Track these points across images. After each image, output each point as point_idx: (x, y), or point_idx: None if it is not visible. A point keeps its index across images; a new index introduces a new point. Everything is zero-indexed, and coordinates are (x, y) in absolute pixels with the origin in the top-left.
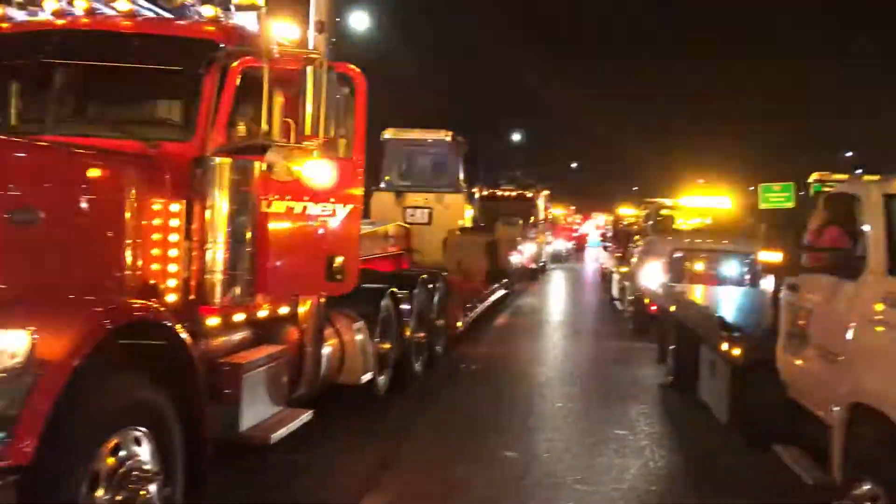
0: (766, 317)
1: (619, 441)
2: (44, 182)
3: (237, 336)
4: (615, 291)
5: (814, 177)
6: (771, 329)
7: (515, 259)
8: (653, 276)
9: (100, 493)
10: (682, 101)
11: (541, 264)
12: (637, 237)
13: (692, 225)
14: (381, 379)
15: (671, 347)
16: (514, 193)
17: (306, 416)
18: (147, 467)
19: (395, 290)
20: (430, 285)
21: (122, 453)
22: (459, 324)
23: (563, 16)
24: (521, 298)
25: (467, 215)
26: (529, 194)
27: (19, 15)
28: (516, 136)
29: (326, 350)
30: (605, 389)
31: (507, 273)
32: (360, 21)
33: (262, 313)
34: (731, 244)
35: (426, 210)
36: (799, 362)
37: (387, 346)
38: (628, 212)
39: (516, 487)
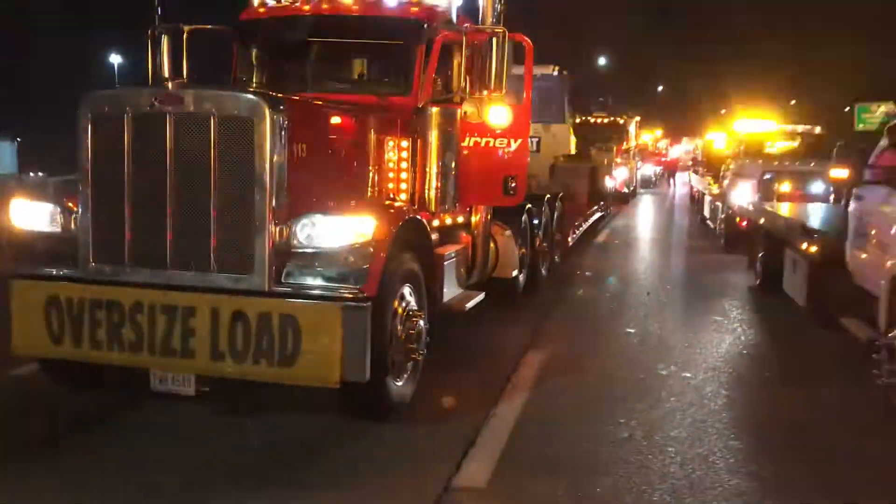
0: (839, 223)
1: (716, 324)
2: (326, 129)
3: (435, 236)
4: (707, 212)
5: (882, 109)
6: (842, 232)
7: (609, 183)
8: (744, 195)
9: (398, 321)
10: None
11: (632, 188)
12: (729, 161)
13: (781, 148)
14: (521, 277)
15: (760, 255)
16: (606, 120)
17: (482, 295)
18: (414, 308)
19: (530, 206)
20: (552, 205)
21: (404, 301)
22: (570, 239)
23: None
24: (616, 220)
25: (571, 143)
26: (621, 121)
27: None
28: (602, 61)
29: (490, 249)
30: (702, 289)
31: (603, 196)
32: None
33: (448, 221)
34: (816, 166)
35: (535, 139)
36: (861, 255)
37: (524, 251)
38: (719, 135)
39: (637, 351)
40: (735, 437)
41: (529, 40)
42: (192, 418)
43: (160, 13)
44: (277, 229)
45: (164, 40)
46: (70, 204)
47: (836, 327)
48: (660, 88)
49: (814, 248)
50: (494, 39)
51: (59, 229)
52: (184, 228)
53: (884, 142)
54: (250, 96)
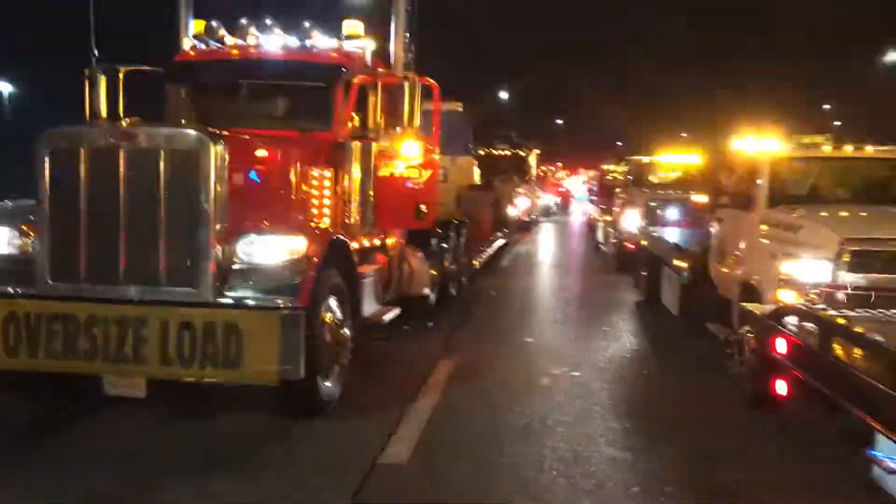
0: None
1: (603, 333)
2: (259, 160)
3: (356, 256)
4: (600, 237)
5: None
6: (707, 250)
7: (512, 212)
8: (632, 221)
9: (326, 329)
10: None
11: (533, 217)
12: (619, 190)
13: (666, 178)
14: (432, 296)
15: (643, 274)
16: (508, 153)
17: (397, 310)
18: (340, 317)
19: (439, 230)
20: (459, 230)
21: (331, 311)
22: (476, 263)
23: None
24: (519, 247)
25: (475, 174)
26: (523, 153)
27: (201, 45)
28: (503, 95)
29: (404, 269)
30: (593, 305)
31: (506, 224)
32: None
33: (366, 242)
34: (696, 195)
35: (442, 170)
36: (721, 269)
37: (434, 271)
38: (612, 167)
39: (535, 356)
40: (614, 421)
41: (436, 83)
42: (144, 419)
43: (96, 55)
44: (220, 248)
45: (101, 81)
46: (25, 227)
47: (704, 332)
48: (559, 122)
49: (684, 265)
50: (406, 83)
51: (16, 251)
52: (135, 249)
53: (734, 169)
54: (196, 133)
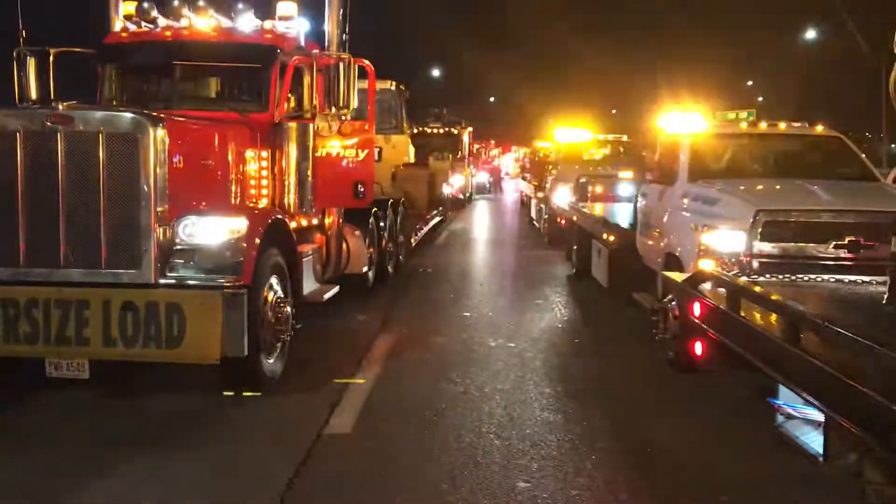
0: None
1: (537, 306)
2: (198, 142)
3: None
4: (534, 213)
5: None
6: (634, 224)
7: (447, 190)
8: (563, 197)
9: (268, 307)
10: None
11: (467, 195)
12: (550, 167)
13: (595, 155)
14: (371, 274)
15: (574, 248)
16: (441, 131)
17: (336, 289)
18: (281, 296)
19: (376, 209)
20: (395, 209)
21: (272, 290)
22: (412, 240)
23: None
24: (454, 224)
25: (410, 153)
26: (455, 131)
27: (132, 28)
28: (435, 72)
29: (342, 248)
30: (527, 279)
31: (441, 202)
32: None
33: (304, 222)
34: (623, 171)
35: (377, 149)
36: (647, 241)
37: (372, 250)
38: (544, 144)
39: (472, 329)
40: (548, 386)
41: (371, 64)
42: (88, 400)
43: (24, 36)
44: (161, 230)
45: (30, 62)
46: None
47: (631, 301)
48: (491, 99)
49: (612, 238)
50: (341, 63)
51: None
52: (75, 232)
53: (660, 146)
54: (135, 115)
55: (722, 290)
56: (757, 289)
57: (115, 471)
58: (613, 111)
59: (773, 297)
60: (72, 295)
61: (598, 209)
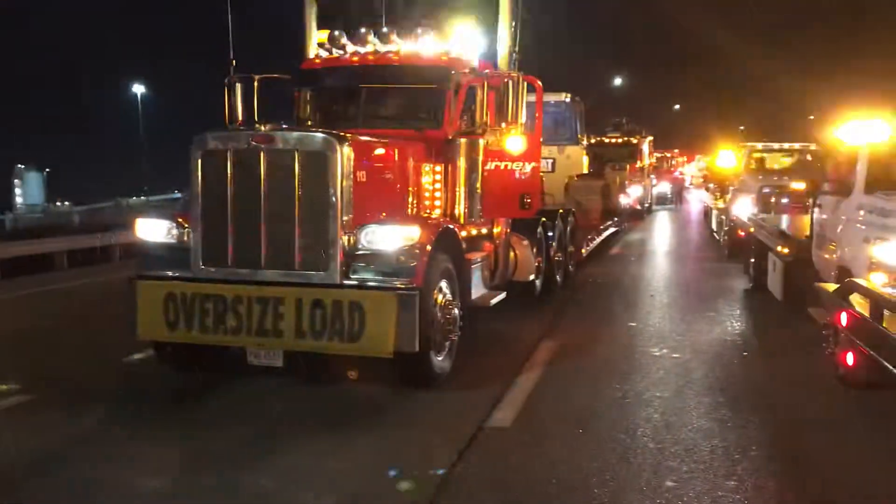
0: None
1: (707, 318)
2: (379, 158)
3: (464, 244)
4: (714, 225)
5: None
6: (810, 236)
7: (623, 200)
8: (744, 209)
9: (437, 308)
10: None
11: (646, 205)
12: (732, 176)
13: (781, 164)
14: (538, 282)
15: (751, 261)
16: (620, 140)
17: (503, 294)
18: (449, 297)
19: (544, 220)
20: (564, 219)
21: (442, 292)
22: (584, 251)
23: None
24: (630, 235)
25: (584, 163)
26: (634, 140)
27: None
28: (617, 81)
29: (510, 256)
30: (700, 292)
31: (617, 212)
32: None
33: (473, 231)
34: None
35: (550, 160)
36: (822, 254)
37: (540, 260)
38: (726, 153)
39: (636, 338)
40: (707, 395)
41: (539, 82)
42: (281, 386)
43: (234, 65)
44: (346, 237)
45: (238, 88)
46: (181, 220)
47: (805, 316)
48: (676, 107)
49: (787, 251)
50: (510, 82)
51: (174, 240)
52: (274, 238)
53: (837, 158)
54: (325, 135)
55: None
56: None
57: (302, 446)
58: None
59: None
60: (270, 293)
61: (781, 221)
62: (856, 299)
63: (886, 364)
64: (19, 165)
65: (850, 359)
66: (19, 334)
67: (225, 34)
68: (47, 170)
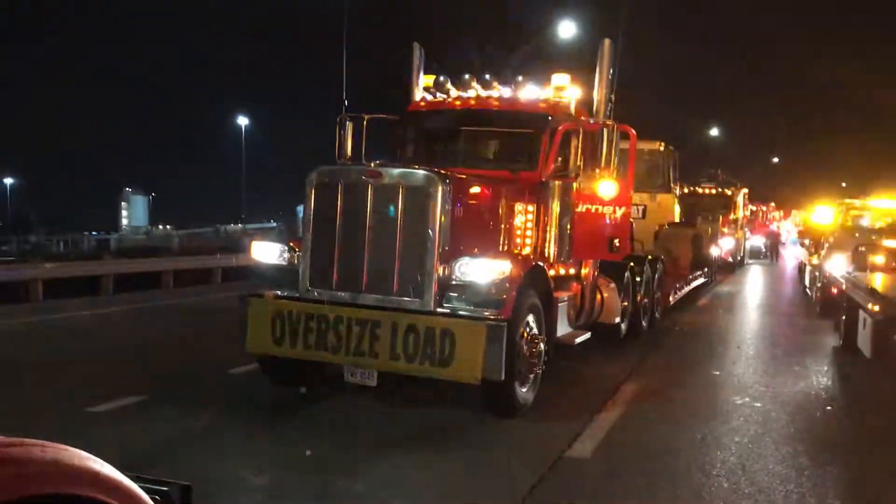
0: None
1: (793, 372)
2: (475, 193)
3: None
4: (807, 281)
5: None
6: None
7: (714, 252)
8: (838, 266)
9: (524, 341)
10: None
11: (739, 258)
12: (827, 233)
13: (879, 222)
14: (623, 325)
15: (843, 318)
16: (713, 191)
17: (588, 334)
18: (535, 332)
19: (633, 265)
20: (653, 266)
21: (529, 326)
22: (671, 298)
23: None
24: (720, 287)
25: (675, 212)
26: (728, 192)
27: (428, 96)
28: (714, 132)
29: (596, 298)
30: (788, 346)
31: (707, 263)
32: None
33: (562, 270)
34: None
35: (641, 207)
36: None
37: (626, 303)
38: (822, 209)
39: (718, 386)
40: (787, 444)
41: (633, 130)
42: (372, 403)
43: (346, 105)
44: (441, 268)
45: (348, 126)
46: (291, 244)
47: (893, 373)
48: (775, 160)
49: (876, 308)
50: (605, 130)
51: (285, 262)
52: (375, 264)
53: None
54: (428, 173)
55: None
56: None
57: (386, 460)
58: None
59: None
60: (368, 316)
61: (874, 279)
62: None
63: None
64: (127, 189)
65: None
66: (133, 345)
67: (336, 76)
68: (153, 194)
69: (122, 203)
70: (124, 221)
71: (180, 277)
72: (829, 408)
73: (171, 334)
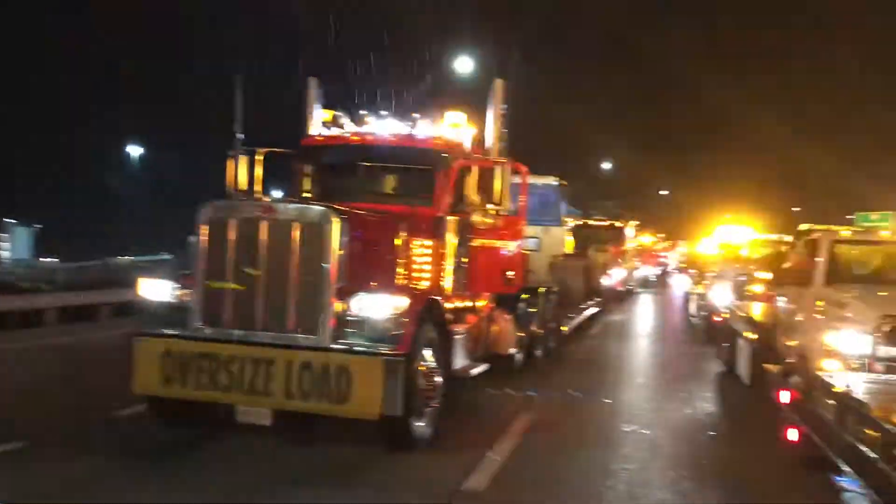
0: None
1: (680, 398)
2: (371, 229)
3: (449, 315)
4: (693, 309)
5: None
6: (774, 322)
7: (606, 282)
8: (720, 295)
9: (421, 375)
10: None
11: (629, 288)
12: (709, 264)
13: (760, 253)
14: (519, 356)
15: (724, 345)
16: (604, 223)
17: (484, 366)
18: (433, 365)
19: (527, 296)
20: (547, 297)
21: (426, 361)
22: (565, 328)
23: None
24: (611, 316)
25: (567, 244)
26: (619, 224)
27: (325, 131)
28: (606, 165)
29: (492, 330)
30: (674, 372)
31: (599, 293)
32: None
33: (458, 304)
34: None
35: (535, 240)
36: (785, 340)
37: (521, 334)
38: (705, 241)
39: (609, 414)
40: (672, 470)
41: (525, 167)
42: (266, 442)
43: (240, 138)
44: (337, 303)
45: (241, 160)
46: (182, 280)
47: (771, 399)
48: (662, 192)
49: (753, 336)
50: (498, 167)
51: (174, 300)
52: (269, 301)
53: (801, 249)
54: (322, 208)
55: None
56: (835, 388)
57: (285, 499)
58: (795, 209)
59: (836, 391)
60: (262, 354)
61: (752, 308)
62: (795, 380)
63: (818, 440)
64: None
65: (791, 435)
66: (10, 388)
67: (229, 108)
68: (39, 226)
69: (2, 235)
70: (5, 254)
71: (65, 314)
72: (711, 433)
73: (52, 376)
